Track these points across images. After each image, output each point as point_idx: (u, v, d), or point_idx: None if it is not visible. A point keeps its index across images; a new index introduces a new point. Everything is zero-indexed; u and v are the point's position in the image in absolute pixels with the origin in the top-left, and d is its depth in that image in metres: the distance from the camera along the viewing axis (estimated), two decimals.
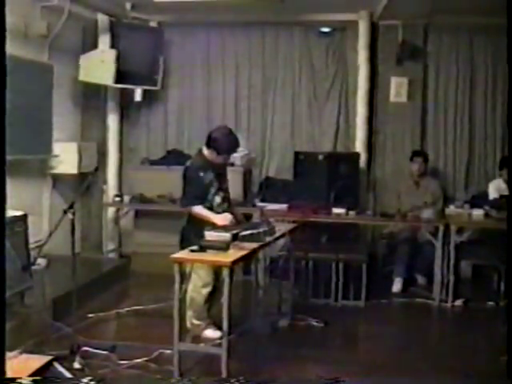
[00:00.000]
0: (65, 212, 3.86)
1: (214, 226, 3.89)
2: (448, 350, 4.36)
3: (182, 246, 3.96)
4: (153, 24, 6.72)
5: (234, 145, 4.21)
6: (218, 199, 4.21)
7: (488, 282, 5.92)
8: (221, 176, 4.28)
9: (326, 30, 6.67)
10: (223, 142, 4.13)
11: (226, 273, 3.43)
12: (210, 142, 4.15)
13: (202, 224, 3.95)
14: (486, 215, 5.49)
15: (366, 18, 6.40)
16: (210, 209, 4.15)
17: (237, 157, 6.33)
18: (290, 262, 4.91)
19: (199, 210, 4.10)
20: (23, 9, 5.40)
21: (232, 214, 4.22)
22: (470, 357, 4.09)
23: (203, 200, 4.14)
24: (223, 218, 4.01)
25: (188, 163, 4.27)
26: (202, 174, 4.12)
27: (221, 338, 3.65)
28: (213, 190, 4.18)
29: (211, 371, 3.61)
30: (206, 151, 4.20)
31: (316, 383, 3.51)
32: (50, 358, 3.27)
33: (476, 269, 6.17)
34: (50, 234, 4.29)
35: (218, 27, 6.75)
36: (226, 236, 3.67)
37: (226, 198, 4.30)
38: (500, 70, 6.34)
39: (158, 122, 7.05)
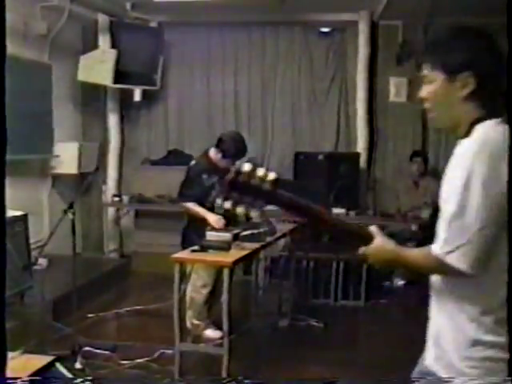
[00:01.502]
0: (65, 212, 3.87)
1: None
2: None
3: (184, 246, 3.97)
4: (153, 24, 6.72)
5: (240, 150, 4.20)
6: (219, 202, 4.23)
7: None
8: (224, 180, 4.27)
9: (325, 29, 6.67)
10: (231, 145, 4.14)
11: (226, 273, 3.43)
12: (219, 143, 4.17)
13: (202, 224, 3.96)
14: None
15: (366, 18, 6.40)
16: (211, 209, 4.15)
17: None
18: (290, 262, 4.91)
19: (193, 206, 4.12)
20: (23, 9, 5.40)
21: (233, 215, 4.22)
22: None
23: (202, 202, 4.15)
24: (216, 221, 4.00)
25: (192, 163, 4.29)
26: (205, 176, 4.13)
27: (221, 337, 3.65)
28: (214, 193, 4.19)
29: (211, 371, 3.62)
30: (212, 153, 4.21)
31: (316, 383, 3.51)
32: (51, 358, 3.27)
33: None
34: (51, 234, 4.29)
35: (218, 27, 6.75)
36: (227, 236, 3.68)
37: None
38: None
39: (158, 121, 7.04)
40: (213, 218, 4.02)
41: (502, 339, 1.44)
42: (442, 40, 1.57)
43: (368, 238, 1.59)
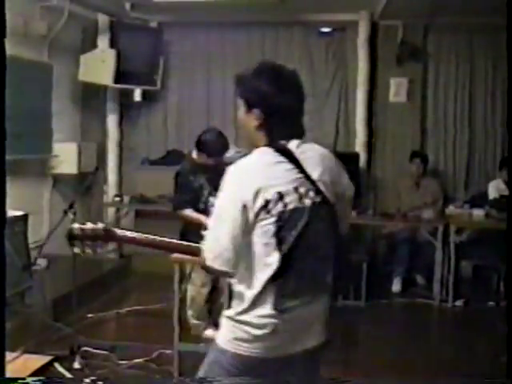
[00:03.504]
0: (65, 212, 3.87)
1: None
2: (448, 350, 4.36)
3: None
4: (153, 24, 6.72)
5: (223, 146, 4.21)
6: (212, 201, 4.23)
7: (488, 282, 5.92)
8: (215, 177, 4.27)
9: (326, 29, 6.66)
10: (213, 144, 4.15)
11: None
12: (200, 145, 4.17)
13: (199, 224, 3.97)
14: (486, 215, 5.49)
15: (366, 18, 6.40)
16: (204, 211, 4.15)
17: (236, 157, 6.33)
18: None
19: (189, 213, 4.11)
20: (23, 9, 5.40)
21: None
22: (469, 357, 4.09)
23: (195, 204, 4.15)
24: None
25: (179, 168, 4.31)
26: (192, 177, 4.14)
27: None
28: (206, 193, 4.18)
29: None
30: (195, 154, 4.23)
31: (315, 383, 3.51)
32: (50, 358, 3.27)
33: (476, 269, 6.17)
34: (50, 234, 4.29)
35: (218, 27, 6.75)
36: None
37: None
38: (500, 70, 6.34)
39: (158, 121, 7.04)
40: (204, 219, 4.00)
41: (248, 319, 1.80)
42: (246, 78, 1.89)
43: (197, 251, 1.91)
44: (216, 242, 1.77)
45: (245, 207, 1.73)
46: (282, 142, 1.85)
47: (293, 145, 1.85)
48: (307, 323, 1.83)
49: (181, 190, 4.19)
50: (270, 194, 1.75)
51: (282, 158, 1.81)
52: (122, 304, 5.10)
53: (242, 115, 1.90)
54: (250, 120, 1.87)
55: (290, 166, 1.81)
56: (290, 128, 1.88)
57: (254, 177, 1.78)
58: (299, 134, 1.90)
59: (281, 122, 1.86)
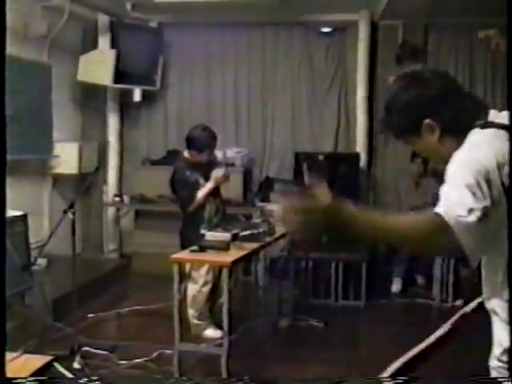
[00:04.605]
0: (65, 212, 3.88)
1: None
2: (448, 350, 4.35)
3: (183, 247, 3.98)
4: (153, 24, 6.72)
5: (211, 139, 4.26)
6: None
7: None
8: (208, 175, 4.32)
9: (326, 30, 6.67)
10: (200, 139, 4.20)
11: (225, 273, 3.43)
12: (189, 143, 4.24)
13: (198, 224, 4.00)
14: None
15: (366, 18, 6.40)
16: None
17: (237, 157, 6.34)
18: (290, 262, 4.91)
19: (201, 193, 4.16)
20: (23, 9, 5.40)
21: (224, 212, 4.34)
22: (469, 357, 4.08)
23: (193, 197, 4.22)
24: (215, 178, 4.16)
25: (174, 168, 4.37)
26: (188, 173, 4.19)
27: (221, 337, 3.65)
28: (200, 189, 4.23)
29: (211, 371, 3.62)
30: (187, 154, 4.28)
31: (316, 383, 3.51)
32: (50, 358, 3.27)
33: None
34: (51, 235, 4.29)
35: (218, 27, 6.75)
36: (226, 236, 3.68)
37: (216, 196, 4.35)
38: (500, 70, 6.34)
39: (159, 121, 7.04)
40: (213, 180, 4.15)
41: None
42: (389, 115, 1.66)
43: None
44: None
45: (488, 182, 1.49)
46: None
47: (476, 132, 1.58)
48: None
49: (181, 185, 4.23)
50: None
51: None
52: (122, 304, 5.10)
53: (416, 144, 1.67)
54: (428, 139, 1.63)
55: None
56: (469, 114, 1.61)
57: (486, 149, 1.51)
58: (483, 110, 1.63)
59: (455, 115, 1.60)
